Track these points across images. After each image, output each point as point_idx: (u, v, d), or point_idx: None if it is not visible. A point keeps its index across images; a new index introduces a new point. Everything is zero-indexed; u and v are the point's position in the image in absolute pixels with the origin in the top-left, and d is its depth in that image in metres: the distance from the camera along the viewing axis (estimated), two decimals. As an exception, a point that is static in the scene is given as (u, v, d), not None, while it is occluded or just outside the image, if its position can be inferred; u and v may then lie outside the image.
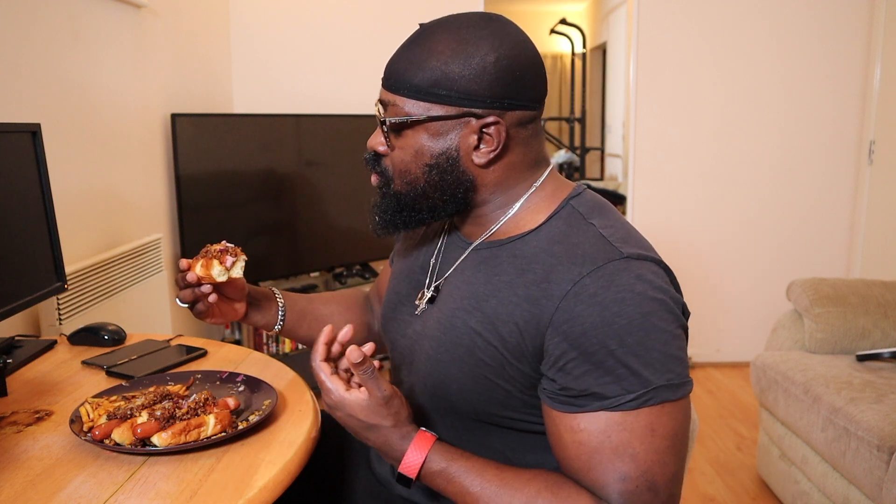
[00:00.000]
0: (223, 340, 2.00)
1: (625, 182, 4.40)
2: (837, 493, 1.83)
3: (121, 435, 0.88)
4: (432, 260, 1.02)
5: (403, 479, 0.86)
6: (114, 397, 1.01)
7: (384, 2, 3.16)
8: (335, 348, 0.93)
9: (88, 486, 0.82)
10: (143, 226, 2.28)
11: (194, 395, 0.96)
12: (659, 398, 0.77)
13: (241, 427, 0.93)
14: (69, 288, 1.60)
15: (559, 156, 5.82)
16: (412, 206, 0.92)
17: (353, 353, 0.85)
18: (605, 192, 4.57)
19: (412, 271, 1.05)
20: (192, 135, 2.44)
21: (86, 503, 0.78)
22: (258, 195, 2.73)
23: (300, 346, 2.90)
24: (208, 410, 0.93)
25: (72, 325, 1.62)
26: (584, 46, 6.33)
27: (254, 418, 0.95)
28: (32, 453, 0.90)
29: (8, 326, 1.51)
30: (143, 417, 0.90)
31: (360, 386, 0.88)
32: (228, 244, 1.07)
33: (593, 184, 5.11)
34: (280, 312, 1.16)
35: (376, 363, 0.87)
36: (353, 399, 0.86)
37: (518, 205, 0.92)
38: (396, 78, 0.87)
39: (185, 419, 0.90)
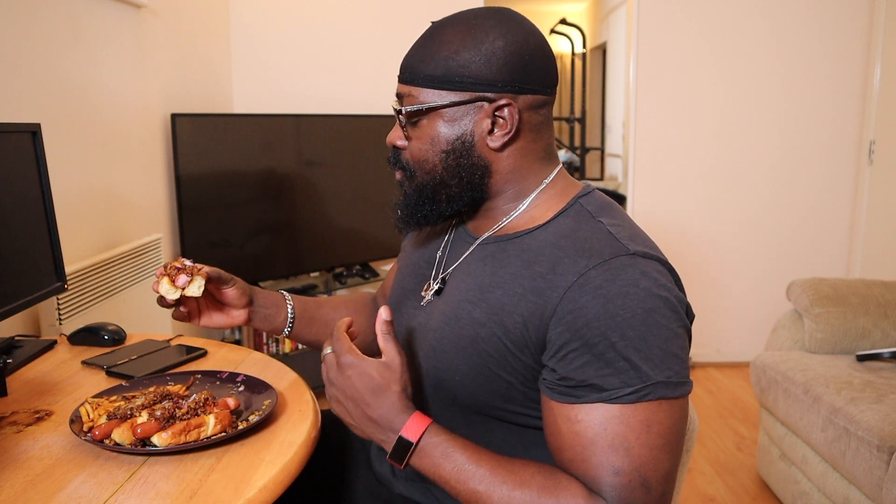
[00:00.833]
0: (223, 340, 2.00)
1: (625, 182, 4.40)
2: (837, 493, 1.83)
3: (121, 435, 0.88)
4: (438, 253, 1.03)
5: (399, 451, 0.84)
6: (114, 397, 1.01)
7: (384, 2, 3.15)
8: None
9: (88, 486, 0.82)
10: (143, 226, 2.28)
11: (194, 395, 0.97)
12: (657, 394, 0.78)
13: (241, 427, 0.93)
14: (69, 288, 1.60)
15: (559, 156, 5.81)
16: (432, 198, 0.94)
17: (385, 311, 0.87)
18: (605, 192, 4.56)
19: (418, 266, 1.06)
20: (192, 135, 2.44)
21: (86, 503, 0.78)
22: (258, 195, 2.73)
23: (300, 346, 2.90)
24: (208, 410, 0.93)
25: (72, 325, 1.62)
26: (584, 46, 6.32)
27: (254, 418, 0.95)
28: (32, 453, 0.90)
29: (8, 326, 1.51)
30: (143, 417, 0.90)
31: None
32: (187, 262, 1.06)
33: (593, 184, 5.09)
34: (289, 318, 1.15)
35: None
36: (372, 359, 0.86)
37: (528, 200, 0.94)
38: (411, 70, 0.91)
39: (185, 419, 0.90)
